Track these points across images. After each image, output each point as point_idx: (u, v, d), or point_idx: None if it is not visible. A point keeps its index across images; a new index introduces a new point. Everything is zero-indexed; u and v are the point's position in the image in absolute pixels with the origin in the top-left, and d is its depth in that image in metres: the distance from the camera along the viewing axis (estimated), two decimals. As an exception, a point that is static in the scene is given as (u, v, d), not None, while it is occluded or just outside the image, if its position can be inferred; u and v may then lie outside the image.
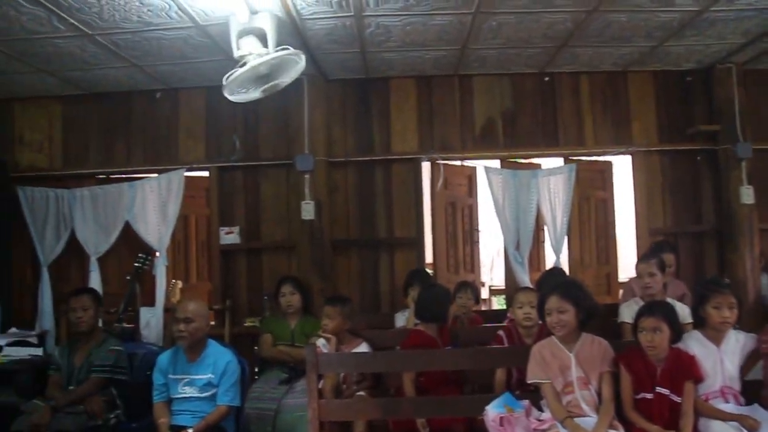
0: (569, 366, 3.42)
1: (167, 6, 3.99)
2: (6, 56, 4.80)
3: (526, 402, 3.49)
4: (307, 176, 5.48)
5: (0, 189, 5.65)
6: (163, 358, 4.10)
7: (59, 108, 6.01)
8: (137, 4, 3.93)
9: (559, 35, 4.85)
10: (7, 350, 4.97)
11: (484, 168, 5.90)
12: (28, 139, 6.03)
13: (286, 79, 4.11)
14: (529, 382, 3.53)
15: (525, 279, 5.69)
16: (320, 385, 3.96)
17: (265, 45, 3.99)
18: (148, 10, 4.04)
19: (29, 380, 4.64)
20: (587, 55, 5.37)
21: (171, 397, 4.03)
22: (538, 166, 6.12)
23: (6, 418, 4.32)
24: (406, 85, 5.86)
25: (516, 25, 4.64)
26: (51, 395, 4.27)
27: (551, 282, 4.01)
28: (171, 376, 4.03)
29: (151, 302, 5.62)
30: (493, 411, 3.41)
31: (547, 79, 5.87)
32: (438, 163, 5.84)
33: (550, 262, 5.98)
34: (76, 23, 4.19)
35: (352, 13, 4.30)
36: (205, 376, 3.97)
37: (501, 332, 4.14)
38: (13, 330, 5.42)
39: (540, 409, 3.48)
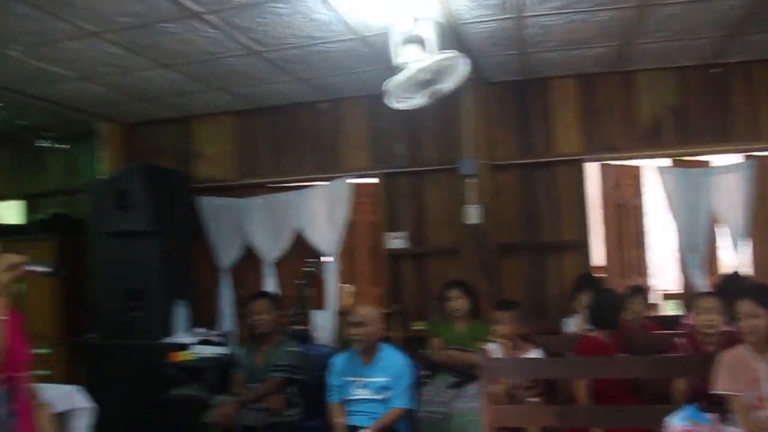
0: (760, 378, 3.16)
1: (331, 20, 4.14)
2: (187, 77, 5.18)
3: (712, 416, 3.24)
4: (470, 180, 5.47)
5: (183, 200, 6.10)
6: (338, 361, 4.26)
7: (233, 123, 6.40)
8: (303, 19, 4.10)
9: (730, 22, 4.54)
10: (196, 348, 5.34)
11: (657, 168, 5.62)
12: (206, 152, 6.47)
13: (449, 84, 4.14)
14: (716, 393, 3.28)
15: (700, 283, 5.38)
16: (492, 390, 3.94)
17: (427, 51, 4.04)
18: (313, 25, 4.21)
19: (215, 377, 4.98)
20: (761, 43, 4.98)
21: (346, 398, 4.17)
22: (706, 163, 5.76)
23: (197, 410, 4.66)
24: (566, 85, 5.71)
25: (683, 16, 4.38)
26: (235, 392, 4.57)
27: (733, 287, 3.77)
28: (346, 378, 4.17)
29: (322, 305, 5.85)
30: (676, 424, 3.20)
31: (716, 70, 5.50)
32: (606, 164, 5.65)
33: (726, 266, 5.61)
34: (248, 42, 4.45)
35: (512, 15, 4.26)
36: (379, 379, 4.08)
37: (680, 340, 3.92)
38: (199, 330, 5.81)
39: (729, 424, 3.23)
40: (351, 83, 5.53)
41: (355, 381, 4.15)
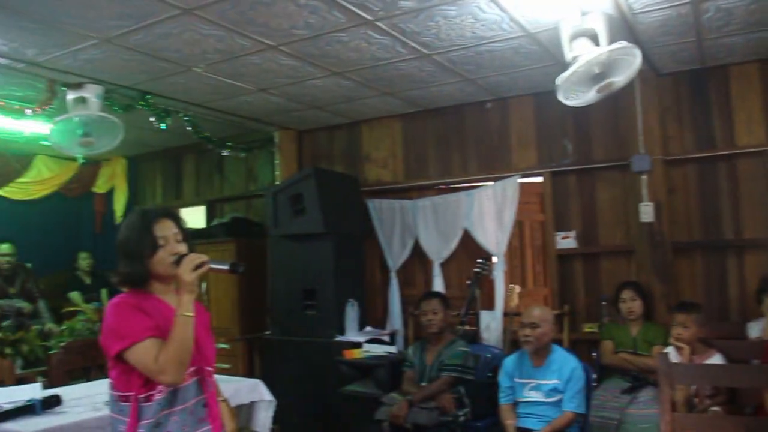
0: None
1: (500, 18, 4.11)
2: (357, 84, 5.35)
3: None
4: (643, 177, 5.25)
5: (353, 202, 6.29)
6: (509, 362, 4.23)
7: (400, 126, 6.52)
8: (472, 20, 4.11)
9: None
10: (367, 347, 5.50)
11: None
12: (374, 156, 6.64)
13: (621, 77, 3.99)
14: None
15: None
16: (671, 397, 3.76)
17: (598, 45, 3.92)
18: (482, 25, 4.21)
19: (386, 375, 5.08)
20: None
21: (516, 400, 4.14)
22: None
23: (369, 407, 4.79)
24: (749, 71, 5.28)
25: None
26: (406, 390, 4.64)
27: None
28: (517, 379, 4.14)
29: (490, 306, 5.82)
30: None
31: None
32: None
33: None
34: (416, 46, 4.52)
35: (688, 0, 4.04)
36: (551, 382, 4.02)
37: None
38: (368, 329, 5.99)
39: None
40: (518, 81, 5.47)
41: (526, 383, 4.12)
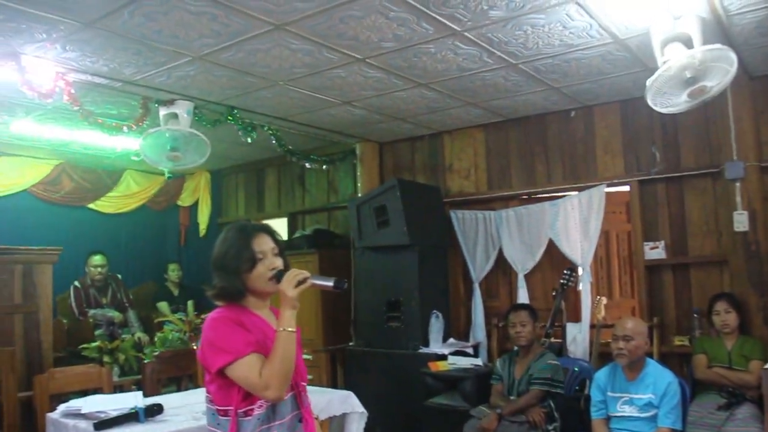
0: None
1: (588, 26, 4.05)
2: (441, 94, 5.34)
3: None
4: (737, 184, 5.07)
5: (437, 213, 6.28)
6: (601, 375, 4.14)
7: (482, 135, 6.47)
8: (560, 28, 4.06)
9: None
10: (452, 359, 5.47)
11: None
12: (457, 166, 6.61)
13: (715, 82, 3.86)
14: None
15: None
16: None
17: (690, 49, 3.81)
18: (570, 33, 4.15)
19: (473, 388, 5.04)
20: None
21: (609, 415, 4.05)
22: None
23: (455, 420, 4.75)
24: None
25: None
26: (495, 403, 4.60)
27: None
28: (610, 393, 4.04)
29: (575, 318, 5.71)
30: None
31: None
32: None
33: None
34: (503, 56, 4.48)
35: (788, 0, 3.90)
36: (645, 396, 3.92)
37: None
38: (452, 341, 5.96)
39: None
40: (604, 89, 5.37)
41: (619, 397, 4.02)
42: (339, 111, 5.73)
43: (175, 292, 7.80)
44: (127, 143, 6.03)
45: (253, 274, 2.31)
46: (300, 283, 2.25)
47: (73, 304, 6.70)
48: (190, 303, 7.70)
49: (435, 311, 5.82)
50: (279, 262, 2.36)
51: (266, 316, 2.39)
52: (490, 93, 5.38)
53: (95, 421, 3.28)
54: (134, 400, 3.60)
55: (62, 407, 3.71)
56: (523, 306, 4.97)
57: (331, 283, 2.32)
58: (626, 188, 5.79)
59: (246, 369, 2.18)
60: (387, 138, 6.89)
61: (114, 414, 3.33)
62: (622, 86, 5.27)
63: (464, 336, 6.24)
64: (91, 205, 7.90)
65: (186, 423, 3.36)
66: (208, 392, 2.33)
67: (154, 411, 3.40)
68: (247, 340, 2.21)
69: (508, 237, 6.10)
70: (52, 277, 5.55)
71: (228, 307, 2.34)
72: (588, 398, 4.27)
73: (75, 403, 3.67)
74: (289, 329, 2.22)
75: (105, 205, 8.01)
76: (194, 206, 8.71)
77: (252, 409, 2.23)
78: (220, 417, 2.27)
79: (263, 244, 2.36)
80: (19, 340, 5.07)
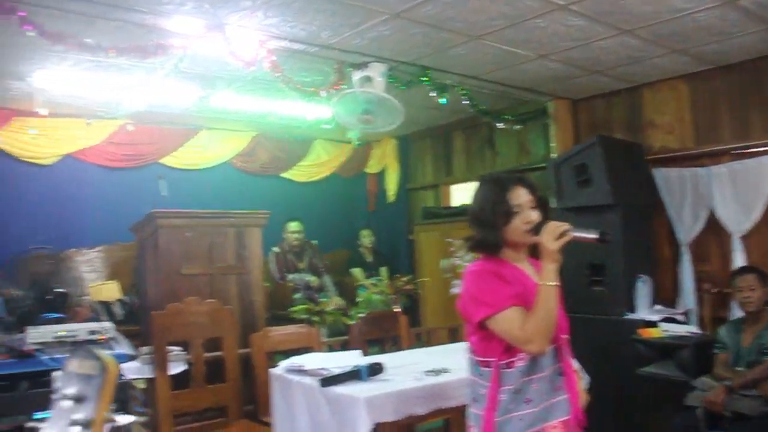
0: None
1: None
2: (645, 42, 4.92)
3: None
4: None
5: (640, 172, 5.86)
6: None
7: (686, 87, 5.92)
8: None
9: None
10: (664, 326, 5.10)
11: None
12: (659, 121, 6.12)
13: None
14: None
15: None
16: None
17: None
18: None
19: (691, 357, 4.66)
20: None
21: None
22: None
23: (671, 391, 4.43)
24: None
25: None
26: (720, 375, 4.23)
27: None
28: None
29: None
30: None
31: None
32: None
33: None
34: (723, -9, 4.05)
35: None
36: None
37: None
38: (658, 307, 5.56)
39: None
40: None
41: None
42: (533, 66, 5.46)
43: (369, 258, 7.90)
44: (317, 112, 6.10)
45: (509, 228, 2.31)
46: (561, 235, 2.20)
47: (274, 269, 6.96)
48: (383, 269, 7.77)
49: (641, 275, 5.45)
50: (535, 216, 2.31)
51: (525, 267, 2.37)
52: (702, 36, 4.87)
53: (320, 378, 3.34)
54: (354, 358, 3.67)
55: (285, 363, 3.83)
56: (750, 269, 4.50)
57: (595, 236, 2.26)
58: None
59: (507, 322, 2.20)
60: (581, 94, 6.52)
61: (337, 372, 3.37)
62: None
63: (671, 302, 5.81)
64: (284, 174, 8.16)
65: (408, 383, 3.33)
66: (469, 343, 2.36)
67: (376, 370, 3.41)
68: (508, 293, 2.22)
69: (720, 195, 5.57)
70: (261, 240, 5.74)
71: (486, 259, 2.35)
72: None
73: (296, 360, 3.78)
74: (551, 283, 2.22)
75: (297, 174, 8.26)
76: (381, 173, 8.79)
77: (513, 362, 2.23)
78: (482, 368, 2.29)
79: (519, 197, 2.32)
80: (234, 300, 5.30)
